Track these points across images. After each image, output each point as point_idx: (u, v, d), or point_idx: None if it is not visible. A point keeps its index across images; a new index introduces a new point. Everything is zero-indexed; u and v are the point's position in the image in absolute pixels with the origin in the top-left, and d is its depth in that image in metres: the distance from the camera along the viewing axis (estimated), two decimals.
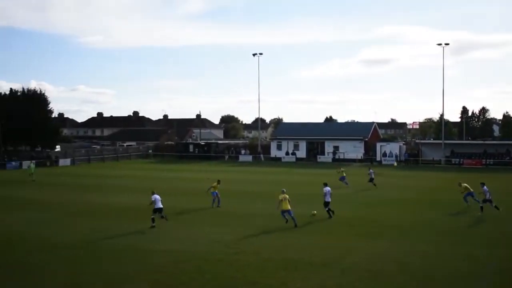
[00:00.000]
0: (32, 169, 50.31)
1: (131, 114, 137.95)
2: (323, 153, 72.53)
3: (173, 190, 36.33)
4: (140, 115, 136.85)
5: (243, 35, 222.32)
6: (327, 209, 25.07)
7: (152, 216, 23.36)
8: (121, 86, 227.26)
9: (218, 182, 29.26)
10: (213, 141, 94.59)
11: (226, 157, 79.46)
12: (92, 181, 45.23)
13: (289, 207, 22.82)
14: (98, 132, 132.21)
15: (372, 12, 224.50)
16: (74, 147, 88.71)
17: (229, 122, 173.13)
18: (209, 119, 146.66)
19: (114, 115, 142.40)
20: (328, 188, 25.10)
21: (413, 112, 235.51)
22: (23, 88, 77.45)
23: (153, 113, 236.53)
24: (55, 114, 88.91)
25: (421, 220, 24.47)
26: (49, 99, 78.43)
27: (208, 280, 15.17)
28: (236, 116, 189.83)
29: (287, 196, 23.06)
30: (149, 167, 64.53)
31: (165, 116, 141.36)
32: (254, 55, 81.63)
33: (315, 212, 25.34)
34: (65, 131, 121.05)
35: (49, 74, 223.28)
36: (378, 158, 67.77)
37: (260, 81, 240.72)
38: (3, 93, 77.13)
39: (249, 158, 76.36)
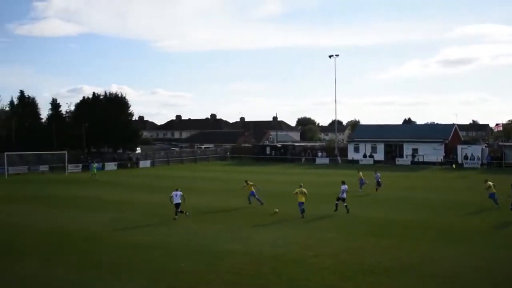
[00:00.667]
0: (94, 169, 54.23)
1: (209, 117, 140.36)
2: (401, 155, 71.09)
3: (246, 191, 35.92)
4: (217, 117, 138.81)
5: (319, 36, 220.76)
6: (337, 202, 26.97)
7: (176, 211, 25.52)
8: (199, 89, 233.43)
9: (247, 182, 30.26)
10: (290, 143, 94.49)
11: (303, 159, 79.27)
12: (169, 182, 45.50)
13: (303, 200, 25.62)
14: (176, 135, 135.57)
15: (450, 12, 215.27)
16: (154, 149, 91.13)
17: (305, 124, 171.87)
18: (285, 121, 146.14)
19: (192, 117, 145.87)
20: (345, 186, 27.06)
21: (495, 113, 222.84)
22: (105, 92, 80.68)
23: (230, 116, 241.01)
24: (135, 117, 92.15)
25: (505, 225, 23.62)
26: (130, 102, 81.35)
27: (285, 282, 15.06)
28: (312, 118, 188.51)
29: (304, 190, 25.92)
30: (226, 169, 65.30)
31: (242, 119, 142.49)
32: (330, 56, 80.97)
33: (277, 210, 26.87)
34: (145, 134, 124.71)
35: (129, 78, 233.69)
36: (460, 161, 65.68)
37: (337, 83, 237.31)
38: (86, 97, 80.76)
39: (326, 160, 75.79)
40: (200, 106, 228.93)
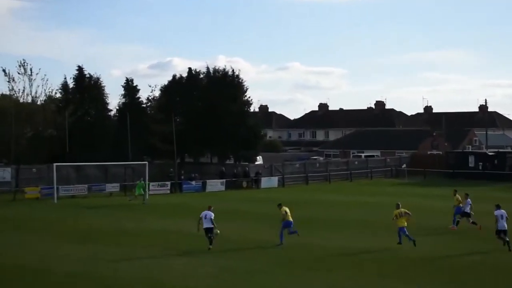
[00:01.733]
0: (140, 188, 55.73)
1: (372, 106, 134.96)
2: None
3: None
4: (386, 107, 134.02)
5: None
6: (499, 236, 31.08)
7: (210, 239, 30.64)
8: (356, 61, 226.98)
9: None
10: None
11: None
12: (311, 212, 46.41)
13: (404, 224, 31.02)
14: (319, 136, 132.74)
15: None
16: (284, 159, 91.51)
17: None
18: (500, 112, 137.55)
19: (345, 107, 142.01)
20: (501, 212, 30.97)
21: None
22: (207, 68, 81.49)
23: (407, 105, 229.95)
24: (254, 107, 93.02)
25: None
26: (246, 83, 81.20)
27: None
28: None
29: (403, 210, 31.25)
30: (401, 191, 64.90)
31: (428, 109, 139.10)
32: None
33: (218, 231, 31.62)
34: (270, 134, 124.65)
35: (244, 45, 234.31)
36: None
37: None
38: (177, 75, 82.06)
39: None
40: (358, 89, 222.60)
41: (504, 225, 30.77)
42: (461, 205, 38.45)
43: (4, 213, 48.32)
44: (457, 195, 38.69)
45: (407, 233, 30.71)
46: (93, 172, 66.21)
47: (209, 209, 31.22)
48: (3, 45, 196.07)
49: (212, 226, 30.52)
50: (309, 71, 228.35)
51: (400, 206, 31.48)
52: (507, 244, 30.27)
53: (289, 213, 32.71)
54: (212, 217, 30.66)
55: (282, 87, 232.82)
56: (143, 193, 56.00)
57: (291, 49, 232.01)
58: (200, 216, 30.96)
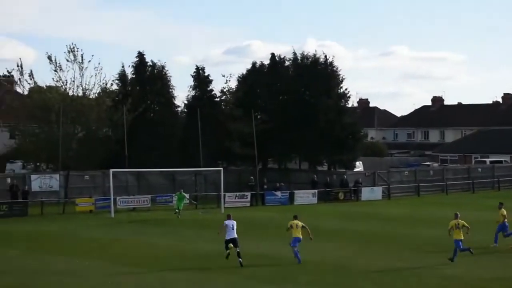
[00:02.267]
0: (180, 201, 56.04)
1: (499, 100, 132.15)
2: None
3: None
4: None
5: None
6: None
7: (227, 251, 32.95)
8: (475, 46, 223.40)
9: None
10: None
11: None
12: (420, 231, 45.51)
13: (461, 237, 33.82)
14: (433, 136, 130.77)
15: None
16: (388, 166, 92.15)
17: None
18: None
19: (464, 101, 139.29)
20: None
21: None
22: (294, 53, 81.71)
23: None
24: (352, 102, 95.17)
25: None
26: (341, 72, 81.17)
27: None
28: None
29: (461, 222, 33.95)
30: None
31: None
32: None
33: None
34: (372, 134, 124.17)
35: (338, 25, 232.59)
36: None
37: None
38: (258, 62, 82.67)
39: None
40: (480, 79, 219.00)
41: None
42: (506, 221, 39.44)
43: (50, 229, 48.79)
44: (502, 208, 39.71)
45: (461, 247, 33.49)
46: (157, 180, 67.26)
47: (228, 218, 33.99)
48: (48, 27, 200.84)
49: (235, 237, 33.06)
50: (419, 57, 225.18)
51: (459, 216, 34.21)
52: None
53: (295, 228, 34.37)
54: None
55: (385, 77, 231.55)
56: (179, 207, 56.18)
57: (396, 30, 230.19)
58: (225, 224, 33.57)
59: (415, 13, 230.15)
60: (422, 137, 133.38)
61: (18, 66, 70.63)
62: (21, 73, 70.84)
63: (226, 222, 33.63)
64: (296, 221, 34.60)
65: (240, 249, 32.82)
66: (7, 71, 75.15)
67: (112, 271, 32.45)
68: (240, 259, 32.47)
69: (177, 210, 55.65)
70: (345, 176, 73.25)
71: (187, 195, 58.99)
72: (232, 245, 32.87)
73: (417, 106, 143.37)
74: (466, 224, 34.08)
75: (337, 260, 35.01)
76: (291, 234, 34.26)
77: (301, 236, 34.13)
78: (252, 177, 69.47)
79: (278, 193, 67.83)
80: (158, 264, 34.29)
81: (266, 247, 39.27)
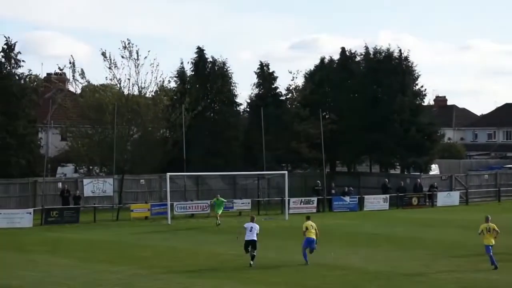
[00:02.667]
0: (219, 207, 55.55)
1: None
2: None
3: None
4: None
5: None
6: None
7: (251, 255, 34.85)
8: None
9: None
10: None
11: None
12: None
13: (491, 242, 34.00)
14: None
15: None
16: (467, 168, 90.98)
17: None
18: None
19: None
20: None
21: None
22: (366, 48, 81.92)
23: None
24: (429, 100, 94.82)
25: None
26: (417, 68, 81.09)
27: None
28: None
29: (492, 226, 34.22)
30: None
31: None
32: None
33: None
34: (449, 135, 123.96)
35: (413, 17, 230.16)
36: None
37: None
38: (327, 58, 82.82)
39: None
40: None
41: None
42: None
43: (103, 237, 49.11)
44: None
45: (491, 253, 33.81)
46: (218, 185, 67.68)
47: (252, 220, 36.04)
48: (102, 22, 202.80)
49: (256, 239, 35.08)
50: (502, 50, 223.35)
51: (490, 219, 34.71)
52: None
53: (310, 229, 36.48)
54: (258, 231, 35.44)
55: (465, 73, 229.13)
56: (218, 211, 55.92)
57: (477, 21, 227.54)
58: (245, 226, 35.74)
59: (498, 1, 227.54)
60: (504, 138, 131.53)
61: (70, 63, 71.19)
62: (73, 71, 71.37)
63: (246, 224, 35.73)
64: (310, 222, 36.67)
65: (256, 252, 34.96)
66: (59, 68, 75.68)
67: (167, 281, 32.40)
68: (252, 262, 34.79)
69: (219, 221, 55.08)
70: (419, 180, 72.79)
71: (225, 200, 58.65)
72: (250, 247, 34.94)
73: (499, 104, 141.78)
74: (497, 228, 34.44)
75: (410, 270, 34.52)
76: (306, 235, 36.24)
77: (315, 237, 36.15)
78: (318, 181, 69.09)
79: (347, 198, 67.53)
80: (217, 274, 34.03)
81: (333, 256, 38.88)
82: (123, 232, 51.55)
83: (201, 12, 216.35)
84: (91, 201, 62.44)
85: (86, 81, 71.85)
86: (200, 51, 77.34)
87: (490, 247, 33.88)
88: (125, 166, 66.93)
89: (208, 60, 77.47)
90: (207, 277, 33.22)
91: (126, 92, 71.09)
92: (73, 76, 71.83)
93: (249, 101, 79.76)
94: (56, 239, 47.72)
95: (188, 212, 61.16)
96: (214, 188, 67.19)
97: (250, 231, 35.14)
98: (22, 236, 49.51)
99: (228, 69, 78.13)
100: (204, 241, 47.01)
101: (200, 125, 72.41)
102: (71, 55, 70.60)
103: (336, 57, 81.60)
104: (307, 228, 36.77)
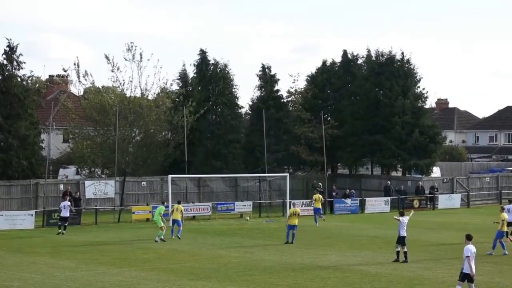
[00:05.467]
0: (158, 218, 48.21)
1: None
2: None
3: None
4: None
5: None
6: None
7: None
8: None
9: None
10: None
11: None
12: None
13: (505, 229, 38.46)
14: None
15: None
16: (469, 171, 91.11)
17: None
18: None
19: None
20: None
21: None
22: (368, 51, 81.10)
23: None
24: (431, 103, 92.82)
25: None
26: (418, 71, 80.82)
27: None
28: None
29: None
30: None
31: None
32: None
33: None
34: (451, 137, 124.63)
35: (414, 20, 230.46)
36: None
37: None
38: (328, 60, 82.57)
39: None
40: None
41: None
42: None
43: (105, 239, 49.02)
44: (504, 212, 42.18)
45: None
46: (219, 187, 67.59)
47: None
48: (106, 24, 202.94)
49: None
50: (505, 52, 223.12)
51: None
52: None
53: (293, 216, 45.13)
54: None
55: (467, 75, 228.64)
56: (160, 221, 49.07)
57: (479, 23, 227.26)
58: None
59: (501, 3, 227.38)
60: (506, 140, 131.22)
61: (74, 64, 71.31)
62: (78, 72, 71.46)
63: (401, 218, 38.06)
64: (294, 209, 46.12)
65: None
66: (63, 69, 75.33)
67: (168, 283, 32.38)
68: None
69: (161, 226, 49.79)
70: (420, 183, 72.80)
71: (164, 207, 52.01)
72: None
73: (501, 107, 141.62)
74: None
75: (411, 273, 34.55)
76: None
77: (296, 224, 44.82)
78: (316, 181, 69.26)
79: (348, 201, 67.44)
80: (219, 277, 34.01)
81: (335, 258, 38.90)
82: (124, 234, 51.47)
83: (204, 15, 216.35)
84: (93, 203, 62.22)
85: (90, 83, 72.00)
86: (203, 54, 77.09)
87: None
88: (127, 168, 66.94)
89: (211, 62, 77.28)
90: (208, 279, 33.17)
91: (128, 94, 71.28)
92: (78, 77, 71.91)
93: (250, 103, 79.66)
94: (58, 241, 47.58)
95: (190, 214, 60.96)
96: (215, 191, 67.36)
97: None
98: (23, 238, 49.43)
99: (230, 71, 77.92)
100: (206, 243, 46.85)
101: (202, 127, 72.47)
102: (76, 56, 71.15)
103: (338, 60, 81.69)
104: (291, 214, 45.42)
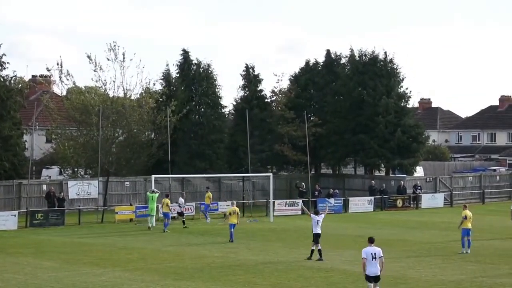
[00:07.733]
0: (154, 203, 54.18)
1: None
2: None
3: None
4: None
5: None
6: None
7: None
8: None
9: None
10: None
11: None
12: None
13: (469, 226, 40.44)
14: (501, 139, 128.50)
15: None
16: (451, 170, 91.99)
17: None
18: None
19: None
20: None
21: None
22: (351, 50, 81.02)
23: None
24: (413, 102, 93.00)
25: None
26: (401, 71, 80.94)
27: None
28: None
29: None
30: None
31: None
32: None
33: None
34: (434, 137, 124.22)
35: (397, 19, 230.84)
36: None
37: None
38: (311, 60, 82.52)
39: None
40: None
41: None
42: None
43: (88, 240, 48.84)
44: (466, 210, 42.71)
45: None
46: (203, 186, 66.89)
47: (316, 213, 40.21)
48: (88, 23, 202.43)
49: (319, 232, 38.63)
50: (486, 53, 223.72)
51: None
52: None
53: (233, 215, 46.17)
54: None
55: (448, 75, 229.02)
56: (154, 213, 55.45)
57: (460, 23, 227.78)
58: (312, 216, 39.61)
59: (480, 2, 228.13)
60: (488, 140, 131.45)
61: (58, 64, 71.18)
62: (61, 72, 71.31)
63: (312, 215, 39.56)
64: (234, 208, 46.82)
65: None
66: (47, 69, 74.45)
67: (152, 283, 32.42)
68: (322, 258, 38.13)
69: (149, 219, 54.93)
70: (402, 182, 73.01)
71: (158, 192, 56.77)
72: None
73: (484, 106, 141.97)
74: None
75: (394, 272, 34.57)
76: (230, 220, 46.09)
77: (236, 223, 46.31)
78: (303, 183, 69.23)
79: (332, 200, 67.31)
80: (203, 276, 34.08)
81: (318, 258, 38.83)
82: (108, 234, 51.43)
83: (187, 15, 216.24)
84: (76, 203, 62.00)
85: (72, 82, 71.78)
86: (185, 54, 77.01)
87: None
88: (110, 168, 66.83)
89: (193, 62, 77.21)
90: (192, 279, 33.24)
91: (111, 94, 71.06)
92: (60, 77, 71.79)
93: (234, 103, 79.65)
94: (41, 242, 47.50)
95: (173, 213, 60.77)
96: (199, 190, 67.27)
97: (317, 224, 38.80)
98: (6, 238, 49.22)
99: (213, 71, 77.83)
100: (189, 243, 47.04)
101: (185, 127, 72.31)
102: (60, 56, 70.74)
103: (321, 59, 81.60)
104: (230, 214, 46.50)
